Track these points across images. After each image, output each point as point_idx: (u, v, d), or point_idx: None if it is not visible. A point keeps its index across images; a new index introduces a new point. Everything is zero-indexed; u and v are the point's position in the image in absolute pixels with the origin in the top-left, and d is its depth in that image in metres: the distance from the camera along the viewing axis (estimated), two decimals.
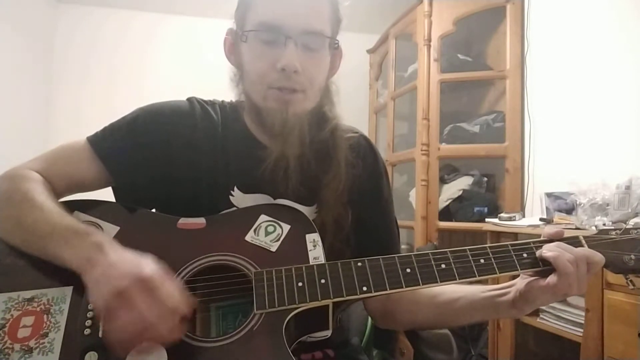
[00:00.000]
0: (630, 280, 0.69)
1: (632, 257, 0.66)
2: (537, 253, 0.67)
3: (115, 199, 0.81)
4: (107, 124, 0.81)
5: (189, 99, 0.84)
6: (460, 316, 0.77)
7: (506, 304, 0.70)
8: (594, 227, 1.40)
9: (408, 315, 0.81)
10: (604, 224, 1.40)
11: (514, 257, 0.67)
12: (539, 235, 0.71)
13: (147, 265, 0.58)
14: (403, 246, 2.21)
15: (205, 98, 0.87)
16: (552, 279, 0.64)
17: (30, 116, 2.72)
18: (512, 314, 0.71)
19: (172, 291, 0.57)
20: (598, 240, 0.68)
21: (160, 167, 0.77)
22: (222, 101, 0.87)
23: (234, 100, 0.86)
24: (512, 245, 0.69)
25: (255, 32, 0.73)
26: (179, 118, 0.80)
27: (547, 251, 0.66)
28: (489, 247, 0.68)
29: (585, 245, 0.68)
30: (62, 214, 0.66)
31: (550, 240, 0.68)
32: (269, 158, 0.76)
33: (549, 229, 0.70)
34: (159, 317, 0.55)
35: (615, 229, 0.69)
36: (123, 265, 0.57)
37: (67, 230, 0.63)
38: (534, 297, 0.67)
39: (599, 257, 0.66)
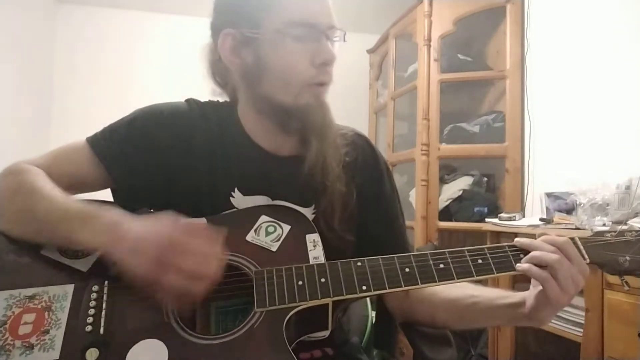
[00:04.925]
0: (626, 282, 0.69)
1: (627, 258, 0.66)
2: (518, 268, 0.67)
3: (114, 200, 0.81)
4: (106, 124, 0.81)
5: (187, 100, 0.84)
6: (478, 321, 0.78)
7: (523, 316, 0.70)
8: (590, 229, 1.40)
9: (428, 317, 0.82)
10: (604, 224, 1.40)
11: (511, 257, 0.68)
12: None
13: (169, 225, 0.61)
14: None
15: (207, 99, 0.86)
16: (537, 290, 0.66)
17: (31, 119, 2.73)
18: (532, 324, 0.71)
19: (202, 239, 0.61)
20: (593, 242, 0.69)
21: (160, 168, 0.77)
22: (218, 101, 0.86)
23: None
24: (509, 246, 0.69)
25: (289, 31, 0.72)
26: (177, 119, 0.79)
27: (520, 265, 0.66)
28: (487, 247, 0.69)
29: (581, 246, 0.68)
30: (71, 200, 0.68)
31: (526, 252, 0.67)
32: (307, 158, 0.76)
33: (522, 240, 0.69)
34: (202, 264, 0.59)
35: (610, 231, 0.69)
36: (147, 234, 0.60)
37: (81, 213, 0.64)
38: (538, 309, 0.67)
39: (562, 239, 0.66)
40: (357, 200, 0.82)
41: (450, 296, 0.78)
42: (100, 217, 0.63)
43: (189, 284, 0.58)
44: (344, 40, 0.78)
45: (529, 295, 0.69)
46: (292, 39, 0.72)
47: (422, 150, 2.29)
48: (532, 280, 0.68)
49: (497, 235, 1.82)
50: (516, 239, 0.69)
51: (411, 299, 0.82)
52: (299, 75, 0.73)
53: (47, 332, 0.60)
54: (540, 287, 0.65)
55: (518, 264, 0.67)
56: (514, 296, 0.72)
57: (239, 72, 0.78)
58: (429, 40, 2.32)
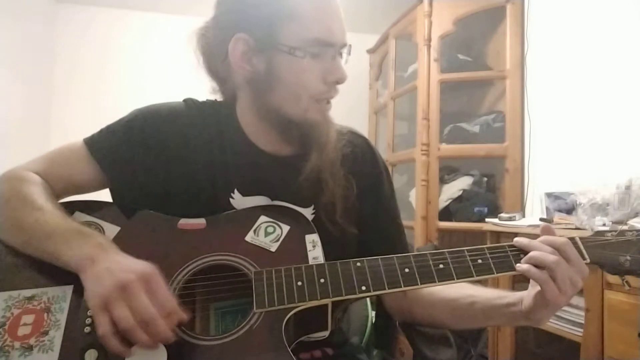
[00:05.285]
0: (627, 282, 0.69)
1: (628, 258, 0.66)
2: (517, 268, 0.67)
3: (113, 201, 0.80)
4: (105, 124, 0.81)
5: (185, 100, 0.83)
6: (477, 321, 0.78)
7: (521, 315, 0.70)
8: (590, 229, 1.40)
9: (426, 317, 0.82)
10: (604, 224, 1.40)
11: (511, 258, 0.68)
12: (539, 236, 0.71)
13: (150, 266, 0.59)
14: None
15: (204, 98, 0.85)
16: (535, 290, 0.65)
17: (30, 119, 2.72)
18: (530, 324, 0.71)
19: (170, 295, 0.59)
20: (594, 242, 0.68)
21: (158, 169, 0.77)
22: (215, 100, 0.85)
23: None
24: (509, 246, 0.69)
25: (307, 48, 0.72)
26: (176, 120, 0.79)
27: (519, 266, 0.66)
28: (487, 247, 0.69)
29: (582, 245, 0.68)
30: (62, 216, 0.67)
31: (526, 252, 0.67)
32: (304, 169, 0.76)
33: (521, 240, 0.68)
34: (160, 313, 0.56)
35: (610, 231, 0.69)
36: (127, 262, 0.59)
37: (69, 231, 0.64)
38: (536, 309, 0.67)
39: (561, 240, 0.66)
40: (357, 196, 0.82)
41: (448, 296, 0.78)
42: (89, 239, 0.63)
43: (141, 323, 0.55)
44: (349, 54, 0.79)
45: (527, 295, 0.69)
46: (309, 56, 0.72)
47: (422, 150, 2.29)
48: (531, 281, 0.68)
49: (497, 235, 1.82)
50: (515, 239, 0.69)
51: (409, 299, 0.82)
52: (310, 91, 0.74)
53: (46, 333, 0.60)
54: (539, 288, 0.65)
55: (518, 265, 0.66)
56: (512, 296, 0.72)
57: (247, 78, 0.77)
58: (429, 40, 2.32)
